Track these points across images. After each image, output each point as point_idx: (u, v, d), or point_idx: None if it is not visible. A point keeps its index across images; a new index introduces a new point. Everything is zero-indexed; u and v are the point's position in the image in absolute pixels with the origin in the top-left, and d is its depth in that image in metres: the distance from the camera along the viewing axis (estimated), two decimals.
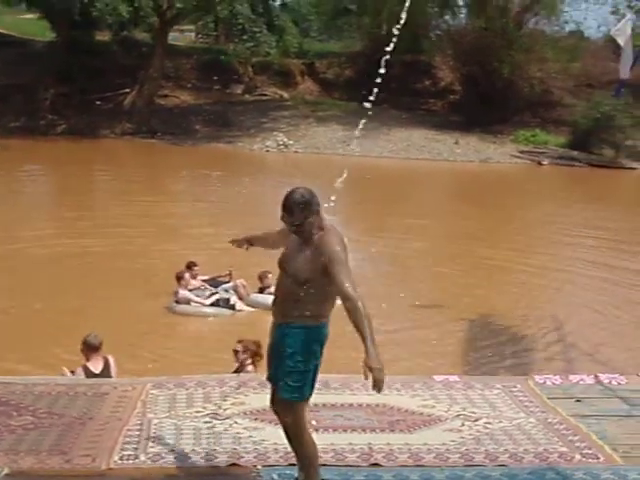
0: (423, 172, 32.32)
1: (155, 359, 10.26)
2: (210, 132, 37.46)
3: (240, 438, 6.09)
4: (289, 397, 5.02)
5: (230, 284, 13.56)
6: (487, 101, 36.76)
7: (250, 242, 5.66)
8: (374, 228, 18.94)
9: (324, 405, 6.71)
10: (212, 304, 13.10)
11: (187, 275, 13.29)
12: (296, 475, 5.27)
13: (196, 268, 13.67)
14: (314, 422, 6.35)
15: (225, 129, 37.66)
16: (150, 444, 5.94)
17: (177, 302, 13.02)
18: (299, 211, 4.99)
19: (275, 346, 5.13)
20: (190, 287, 13.30)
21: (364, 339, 4.70)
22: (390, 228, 19.46)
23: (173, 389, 7.08)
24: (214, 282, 13.69)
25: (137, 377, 7.67)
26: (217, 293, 13.31)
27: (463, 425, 6.50)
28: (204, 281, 13.72)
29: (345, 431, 6.32)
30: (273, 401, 5.25)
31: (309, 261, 4.99)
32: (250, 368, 8.77)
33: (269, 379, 5.26)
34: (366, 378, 4.76)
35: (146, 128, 36.96)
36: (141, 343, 11.00)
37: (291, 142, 36.02)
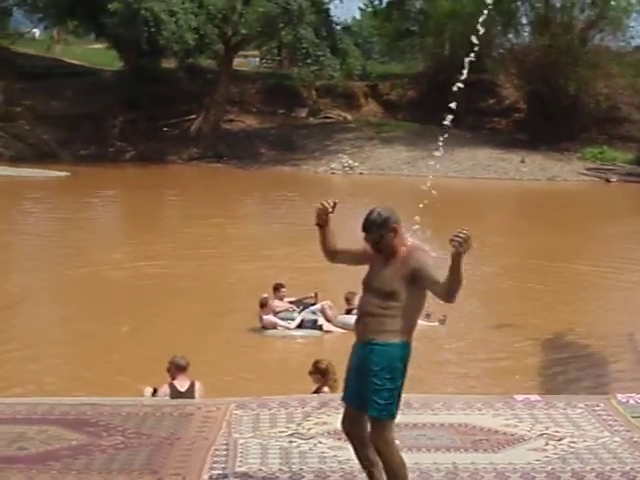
0: (491, 191, 32.24)
1: (241, 379, 10.38)
2: (275, 155, 37.86)
3: (325, 458, 6.15)
4: (378, 415, 5.05)
5: (317, 306, 13.60)
6: (552, 118, 36.52)
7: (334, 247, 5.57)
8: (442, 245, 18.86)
9: (406, 425, 6.73)
10: (299, 325, 13.18)
11: (271, 301, 13.39)
12: None
13: (283, 290, 13.78)
14: (397, 442, 6.38)
15: (290, 152, 38.02)
16: (238, 463, 6.03)
17: (264, 327, 13.14)
18: (376, 228, 5.12)
19: (358, 366, 5.16)
20: (277, 309, 13.38)
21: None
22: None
23: (256, 409, 7.18)
24: (300, 303, 13.77)
25: (220, 397, 7.80)
26: (301, 314, 13.39)
27: (547, 444, 6.47)
28: (290, 302, 13.82)
29: (429, 451, 6.34)
30: (346, 422, 5.30)
31: (394, 273, 5.07)
32: (326, 389, 8.85)
33: (344, 399, 5.30)
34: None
35: (212, 153, 37.52)
36: (227, 365, 11.16)
37: (356, 164, 36.22)
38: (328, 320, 13.26)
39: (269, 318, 13.16)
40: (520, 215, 27.25)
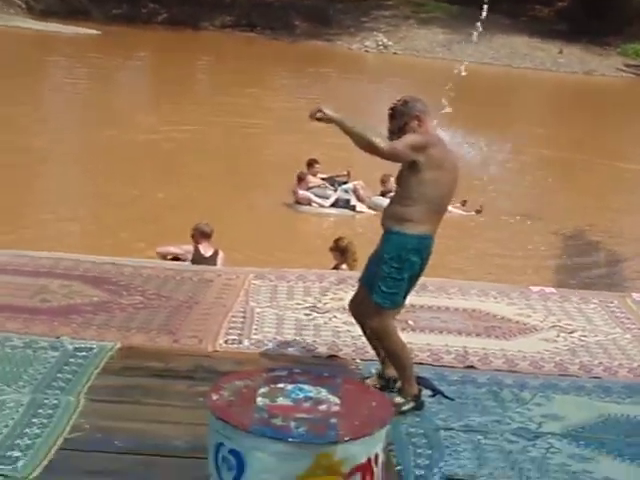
0: (526, 80, 31.75)
1: (271, 253, 10.49)
2: (309, 28, 37.23)
3: (339, 332, 6.28)
4: (380, 302, 5.03)
5: (349, 185, 13.55)
6: (596, 10, 35.55)
7: None
8: (491, 133, 18.70)
9: (421, 307, 6.84)
10: (332, 204, 13.20)
11: (309, 176, 13.36)
12: (374, 369, 5.40)
13: (317, 166, 13.71)
14: (411, 322, 6.50)
15: (324, 26, 37.37)
16: (253, 331, 6.17)
17: (297, 202, 13.16)
18: (399, 115, 5.02)
19: (376, 251, 5.20)
20: (311, 185, 13.37)
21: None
22: (505, 134, 19.32)
23: (274, 281, 7.30)
24: (332, 181, 13.72)
25: (240, 267, 7.92)
26: (336, 192, 13.37)
27: (558, 336, 6.56)
28: (323, 179, 13.78)
29: (441, 333, 6.45)
30: (353, 302, 5.34)
31: (405, 165, 5.03)
32: (344, 267, 8.97)
33: (360, 280, 5.37)
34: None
35: (246, 21, 36.95)
36: (258, 237, 11.27)
37: (390, 43, 35.61)
38: (360, 200, 13.25)
39: (305, 193, 13.15)
40: (555, 107, 26.88)
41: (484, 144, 17.17)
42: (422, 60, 33.69)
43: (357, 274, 7.16)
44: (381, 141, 4.80)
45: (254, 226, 11.78)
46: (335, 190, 13.41)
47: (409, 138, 4.91)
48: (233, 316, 6.41)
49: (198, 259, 8.89)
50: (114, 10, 36.67)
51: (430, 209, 4.99)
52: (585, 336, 6.61)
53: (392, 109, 5.07)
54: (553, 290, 7.75)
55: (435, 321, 6.66)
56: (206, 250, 9.03)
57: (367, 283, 5.21)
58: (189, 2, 37.12)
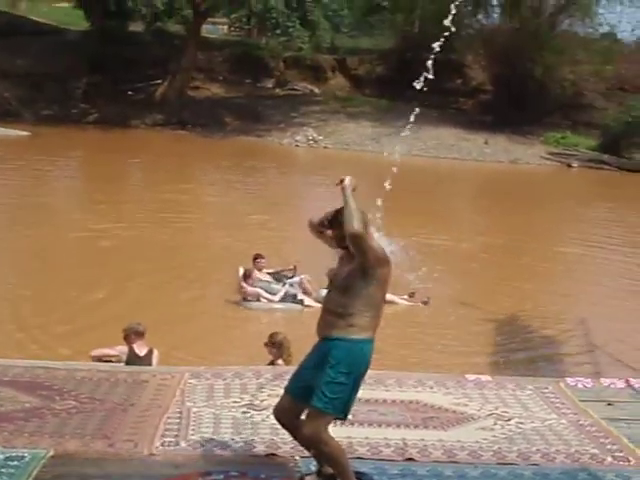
0: (454, 171, 32.42)
1: (216, 351, 10.42)
2: (240, 125, 37.65)
3: (277, 429, 6.19)
4: (322, 407, 5.01)
5: (295, 279, 13.58)
6: (518, 102, 36.71)
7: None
8: (419, 224, 19.10)
9: (359, 400, 6.76)
10: (280, 299, 13.19)
11: (255, 272, 13.36)
12: (313, 466, 5.35)
13: (262, 261, 13.74)
14: (349, 416, 6.48)
15: (255, 122, 37.84)
16: (190, 432, 6.09)
17: (245, 298, 13.13)
18: (340, 227, 5.05)
19: (316, 358, 5.14)
20: (256, 280, 13.35)
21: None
22: (443, 224, 19.76)
23: (211, 379, 7.25)
24: (278, 276, 13.72)
25: (175, 366, 7.86)
26: (284, 287, 13.37)
27: (496, 424, 6.61)
28: (269, 274, 13.78)
29: (380, 426, 6.45)
30: (281, 410, 5.29)
31: (349, 271, 5.07)
32: (280, 362, 8.95)
33: (288, 390, 5.30)
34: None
35: (176, 119, 37.22)
36: (206, 336, 11.21)
37: (321, 137, 36.15)
38: (307, 294, 13.29)
39: (254, 290, 13.13)
40: (486, 195, 27.45)
41: (423, 234, 17.58)
42: (352, 153, 34.24)
43: (292, 369, 7.19)
44: (358, 225, 4.90)
45: (201, 324, 11.74)
46: (283, 285, 13.46)
47: (377, 247, 5.00)
48: (169, 417, 6.34)
49: (133, 359, 8.79)
50: (44, 111, 36.72)
51: (376, 311, 5.07)
52: (522, 423, 6.67)
53: (336, 217, 5.10)
54: (489, 378, 7.83)
55: (373, 414, 6.67)
56: (140, 349, 8.95)
57: (298, 394, 5.16)
58: (119, 101, 37.37)
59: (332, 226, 5.15)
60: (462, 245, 17.86)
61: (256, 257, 13.74)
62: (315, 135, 36.21)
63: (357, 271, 5.00)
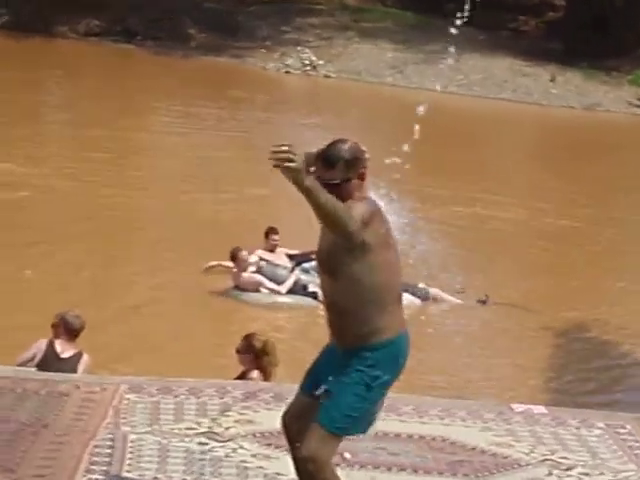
0: (505, 118, 32.36)
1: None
2: (209, 40, 37.55)
3: (247, 469, 6.26)
4: (327, 425, 5.14)
5: (313, 263, 13.70)
6: (600, 24, 36.60)
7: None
8: (449, 196, 19.21)
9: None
10: (289, 291, 13.27)
11: (244, 253, 13.43)
12: None
13: (276, 237, 13.83)
14: (347, 455, 6.52)
15: (230, 38, 37.74)
16: (126, 467, 6.12)
17: (239, 287, 13.18)
18: (343, 167, 5.14)
19: (333, 359, 5.29)
20: (251, 262, 13.42)
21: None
22: (468, 196, 19.77)
23: (156, 395, 7.27)
24: (304, 259, 13.78)
25: (109, 375, 7.89)
26: (293, 273, 13.43)
27: (550, 474, 6.65)
28: (290, 257, 13.86)
29: (389, 470, 6.48)
30: (291, 414, 5.40)
31: (332, 244, 5.13)
32: (255, 375, 8.99)
33: (304, 387, 5.43)
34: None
35: (120, 28, 37.11)
36: (163, 346, 11.32)
37: (321, 62, 36.10)
38: None
39: (252, 277, 13.20)
40: (547, 155, 27.42)
41: (461, 204, 17.69)
42: (364, 86, 34.21)
43: (274, 386, 7.19)
44: (353, 222, 4.96)
45: (165, 323, 11.87)
46: (292, 270, 13.53)
47: (358, 211, 5.04)
48: (97, 446, 6.35)
49: (50, 361, 8.79)
50: None
51: (391, 301, 5.19)
52: (587, 474, 6.70)
53: (333, 157, 5.18)
54: (543, 410, 7.85)
55: (381, 453, 6.69)
56: (64, 348, 8.95)
57: (310, 393, 5.34)
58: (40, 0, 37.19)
59: (326, 164, 5.18)
60: (519, 222, 17.93)
61: (269, 231, 13.86)
62: (314, 59, 36.15)
63: (348, 253, 5.08)
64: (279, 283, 13.36)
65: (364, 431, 5.37)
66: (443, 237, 15.91)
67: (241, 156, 20.64)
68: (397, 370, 5.25)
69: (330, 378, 5.23)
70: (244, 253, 13.39)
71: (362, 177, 5.19)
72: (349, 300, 5.12)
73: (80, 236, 14.44)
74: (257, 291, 13.26)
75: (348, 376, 5.14)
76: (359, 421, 5.24)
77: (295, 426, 5.36)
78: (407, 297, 13.18)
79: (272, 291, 13.30)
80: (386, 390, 5.27)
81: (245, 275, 13.21)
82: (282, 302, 13.18)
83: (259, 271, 13.45)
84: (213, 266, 13.63)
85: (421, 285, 13.87)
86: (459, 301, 13.73)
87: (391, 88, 33.04)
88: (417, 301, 13.64)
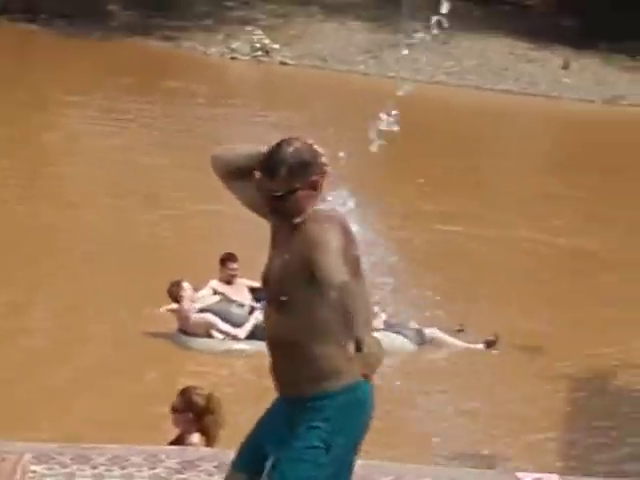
0: (506, 113, 32.51)
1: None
2: (135, 19, 37.63)
3: None
4: None
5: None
6: None
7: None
8: (437, 212, 19.31)
9: None
10: (249, 335, 13.24)
11: (186, 286, 13.41)
12: None
13: (234, 266, 13.82)
14: None
15: (161, 16, 37.80)
16: None
17: (184, 331, 13.14)
18: (286, 175, 5.13)
19: (279, 424, 5.28)
20: (223, 291, 13.41)
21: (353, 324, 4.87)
22: (461, 210, 19.88)
23: (70, 465, 7.24)
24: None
25: (10, 441, 7.84)
26: (253, 313, 13.44)
27: None
28: (253, 291, 13.84)
29: None
30: None
31: (288, 266, 5.15)
32: (196, 439, 8.97)
33: (237, 465, 5.37)
34: None
35: (23, 4, 37.15)
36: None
37: (276, 46, 36.17)
38: None
39: (202, 317, 13.18)
40: (560, 158, 27.54)
41: (444, 225, 17.78)
42: (329, 74, 34.29)
43: (218, 453, 7.20)
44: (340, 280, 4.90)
45: (94, 374, 11.86)
46: (251, 309, 13.53)
47: (334, 252, 4.98)
48: None
49: None
50: None
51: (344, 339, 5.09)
52: None
53: (273, 163, 5.17)
54: (556, 479, 7.88)
55: None
56: None
57: (253, 467, 5.27)
58: None
59: (266, 173, 5.17)
60: (526, 244, 18.04)
61: (226, 258, 13.87)
62: (267, 42, 36.22)
63: (304, 275, 5.04)
64: (236, 325, 13.32)
65: None
66: (432, 263, 15.97)
67: (180, 162, 20.65)
68: (363, 425, 5.19)
69: (275, 446, 5.17)
70: (186, 286, 13.37)
71: (314, 186, 5.17)
72: (302, 336, 5.10)
73: None
74: (209, 335, 13.21)
75: (300, 437, 5.08)
76: None
77: None
78: (398, 340, 13.39)
79: (227, 335, 13.27)
80: (353, 452, 5.22)
81: (193, 316, 13.17)
82: (240, 349, 13.14)
83: (210, 310, 13.41)
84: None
85: (413, 325, 13.94)
86: (462, 343, 13.80)
87: (363, 77, 33.13)
88: (410, 345, 13.69)
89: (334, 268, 4.88)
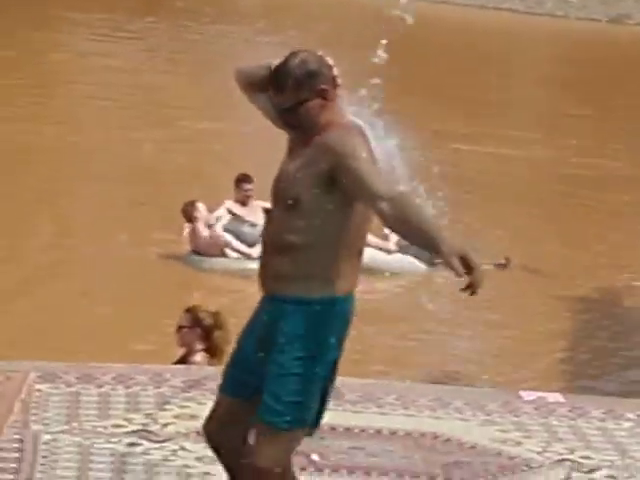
0: (510, 33, 32.33)
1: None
2: None
3: (190, 475, 6.27)
4: (275, 421, 5.07)
5: None
6: None
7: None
8: (442, 133, 19.22)
9: (333, 429, 6.88)
10: None
11: (200, 206, 13.38)
12: None
13: (248, 187, 13.77)
14: (315, 457, 6.54)
15: None
16: (37, 475, 6.12)
17: (197, 251, 13.12)
18: (294, 86, 5.08)
19: (261, 332, 5.22)
20: (237, 211, 13.39)
21: (428, 231, 4.83)
22: (473, 130, 19.80)
23: (75, 384, 7.27)
24: None
25: (15, 360, 7.87)
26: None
27: (569, 478, 6.68)
28: (266, 211, 13.87)
29: (368, 474, 6.51)
30: (215, 422, 5.34)
31: (304, 168, 5.09)
32: (200, 358, 9.00)
33: (224, 388, 5.36)
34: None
35: None
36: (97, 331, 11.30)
37: None
38: None
39: (215, 235, 13.16)
40: (564, 80, 27.37)
41: (457, 144, 17.74)
42: None
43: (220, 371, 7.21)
44: (392, 192, 4.89)
45: (102, 294, 11.86)
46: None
47: (368, 161, 4.97)
48: (1, 449, 6.36)
49: None
50: None
51: (353, 252, 5.15)
52: (614, 477, 6.74)
53: (280, 76, 5.14)
54: (560, 398, 7.89)
55: (357, 454, 6.71)
56: None
57: (239, 391, 5.26)
58: None
59: (275, 87, 5.16)
60: (539, 163, 17.99)
61: (241, 179, 13.83)
62: None
63: (320, 180, 5.00)
64: (250, 245, 13.32)
65: (316, 423, 5.26)
66: (444, 183, 15.93)
67: (188, 81, 20.55)
68: (338, 338, 5.15)
69: (260, 354, 5.15)
70: (201, 206, 13.36)
71: (324, 96, 5.10)
72: (305, 239, 5.04)
73: None
74: (223, 255, 13.21)
75: (283, 351, 5.05)
76: (307, 406, 5.13)
77: (223, 436, 5.31)
78: (410, 261, 13.44)
79: (242, 254, 13.27)
80: (334, 361, 5.18)
81: (206, 235, 13.13)
82: (254, 269, 13.20)
83: (225, 229, 13.39)
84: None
85: None
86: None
87: None
88: (421, 266, 13.76)
89: (377, 178, 4.88)
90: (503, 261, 13.98)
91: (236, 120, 16.11)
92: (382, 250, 13.56)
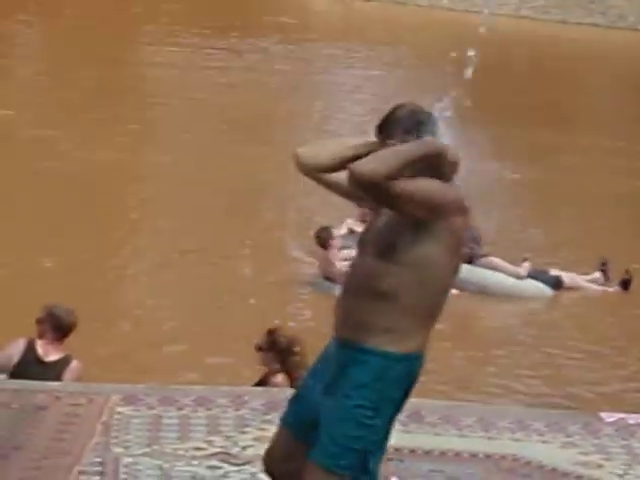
0: (591, 51, 32.13)
1: None
2: None
3: None
4: (325, 462, 5.08)
5: None
6: None
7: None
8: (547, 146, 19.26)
9: (412, 451, 6.91)
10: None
11: (335, 233, 13.42)
12: None
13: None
14: (395, 479, 6.56)
15: None
16: None
17: (330, 279, 13.16)
18: (401, 131, 5.13)
19: (328, 375, 5.22)
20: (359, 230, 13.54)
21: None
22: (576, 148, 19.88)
23: (157, 407, 7.35)
24: None
25: (97, 383, 7.95)
26: None
27: None
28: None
29: None
30: (274, 455, 5.37)
31: (397, 219, 5.12)
32: (280, 379, 9.05)
33: (286, 422, 5.38)
34: None
35: None
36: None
37: None
38: None
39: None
40: None
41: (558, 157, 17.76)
42: (410, 11, 34.04)
43: None
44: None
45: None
46: None
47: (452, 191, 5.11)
48: (82, 472, 6.42)
49: (30, 364, 8.84)
50: None
51: (435, 313, 5.19)
52: None
53: (393, 118, 5.22)
54: None
55: (437, 477, 6.73)
56: (47, 351, 8.96)
57: (299, 429, 5.28)
58: None
59: (380, 128, 5.22)
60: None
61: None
62: None
63: (405, 224, 5.06)
64: None
65: (372, 469, 5.18)
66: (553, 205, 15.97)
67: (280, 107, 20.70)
68: (407, 392, 5.18)
69: (325, 396, 5.15)
70: (335, 232, 13.41)
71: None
72: (398, 288, 5.04)
73: (64, 206, 14.59)
74: None
75: (347, 396, 5.06)
76: (363, 455, 5.12)
77: (279, 469, 5.34)
78: (536, 285, 13.61)
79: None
80: (393, 415, 5.19)
81: (340, 264, 13.06)
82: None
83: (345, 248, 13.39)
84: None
85: (554, 272, 14.09)
86: (598, 287, 13.97)
87: (448, 13, 32.86)
88: (547, 290, 14.11)
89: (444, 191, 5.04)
90: (627, 276, 14.03)
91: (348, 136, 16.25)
92: (512, 275, 13.74)
